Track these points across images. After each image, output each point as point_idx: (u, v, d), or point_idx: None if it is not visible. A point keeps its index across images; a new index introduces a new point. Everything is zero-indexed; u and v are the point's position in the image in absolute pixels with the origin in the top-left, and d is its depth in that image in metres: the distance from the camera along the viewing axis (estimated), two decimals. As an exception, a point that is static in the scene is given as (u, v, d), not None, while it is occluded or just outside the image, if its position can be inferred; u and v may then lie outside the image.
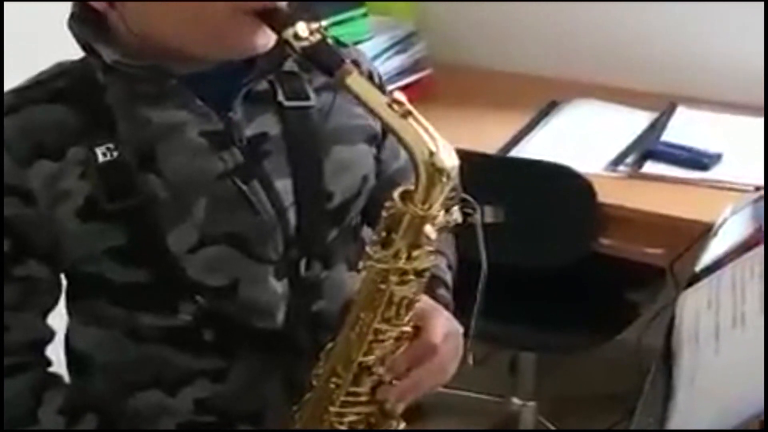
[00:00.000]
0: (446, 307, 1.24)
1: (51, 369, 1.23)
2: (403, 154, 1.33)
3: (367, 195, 1.27)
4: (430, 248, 1.09)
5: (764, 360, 1.06)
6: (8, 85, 1.18)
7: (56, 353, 1.25)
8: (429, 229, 1.06)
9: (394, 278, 1.09)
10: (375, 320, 1.11)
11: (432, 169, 1.03)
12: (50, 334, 1.22)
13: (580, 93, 2.41)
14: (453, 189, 1.06)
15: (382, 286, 1.09)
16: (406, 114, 1.03)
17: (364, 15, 2.40)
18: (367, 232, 1.29)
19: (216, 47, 1.12)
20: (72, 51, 1.17)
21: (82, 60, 1.17)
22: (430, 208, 1.05)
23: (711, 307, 1.24)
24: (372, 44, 2.38)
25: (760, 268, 1.23)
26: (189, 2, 1.07)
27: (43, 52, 1.22)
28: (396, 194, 1.06)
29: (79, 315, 1.24)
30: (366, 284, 1.11)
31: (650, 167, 2.08)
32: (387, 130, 1.07)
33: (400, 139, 1.04)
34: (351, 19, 2.37)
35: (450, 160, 1.03)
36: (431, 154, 1.02)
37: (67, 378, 1.26)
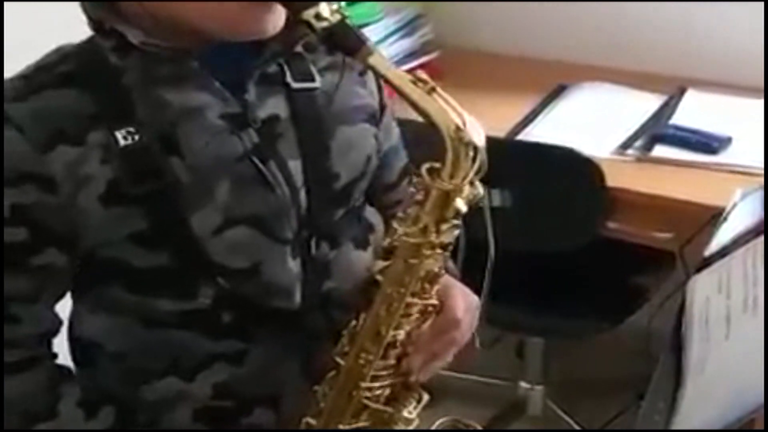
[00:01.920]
0: (455, 278, 1.27)
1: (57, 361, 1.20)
2: (394, 133, 1.33)
3: (372, 175, 1.27)
4: (456, 222, 1.10)
5: (764, 349, 1.06)
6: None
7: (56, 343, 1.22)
8: (459, 203, 1.08)
9: (425, 252, 1.11)
10: (406, 295, 1.14)
11: (459, 143, 1.05)
12: (58, 325, 1.19)
13: (588, 76, 2.40)
14: (481, 164, 1.07)
15: (413, 261, 1.12)
16: (431, 91, 1.05)
17: (374, -4, 2.39)
18: (369, 211, 1.29)
19: (231, 27, 1.10)
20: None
21: (84, 43, 1.15)
22: (458, 182, 1.06)
23: (722, 291, 1.23)
24: (379, 27, 2.37)
25: (771, 253, 1.22)
26: None
27: (36, 40, 1.19)
28: (423, 169, 1.08)
29: (87, 302, 1.21)
30: (396, 260, 1.13)
31: (659, 151, 2.07)
32: (412, 107, 1.07)
33: (426, 116, 1.05)
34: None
35: (477, 134, 1.04)
36: (458, 128, 1.04)
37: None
